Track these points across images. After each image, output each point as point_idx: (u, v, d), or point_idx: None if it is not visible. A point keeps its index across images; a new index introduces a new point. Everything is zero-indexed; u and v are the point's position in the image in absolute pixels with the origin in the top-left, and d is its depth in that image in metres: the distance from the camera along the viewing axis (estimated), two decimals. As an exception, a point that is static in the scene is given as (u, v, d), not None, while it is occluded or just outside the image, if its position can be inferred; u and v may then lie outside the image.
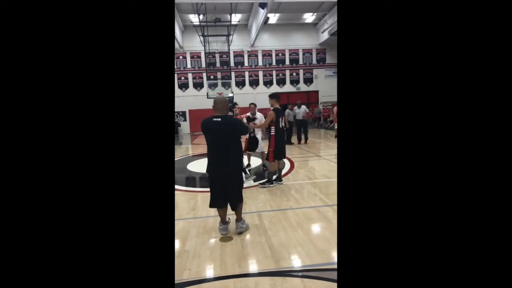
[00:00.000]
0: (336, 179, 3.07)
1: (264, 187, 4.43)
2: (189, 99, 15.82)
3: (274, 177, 4.57)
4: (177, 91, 15.88)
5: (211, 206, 2.87)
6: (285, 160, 6.61)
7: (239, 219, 2.89)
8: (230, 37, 14.90)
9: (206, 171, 2.85)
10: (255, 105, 5.44)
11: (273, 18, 14.48)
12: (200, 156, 7.77)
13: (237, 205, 2.86)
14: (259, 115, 5.37)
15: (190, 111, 16.00)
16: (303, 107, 9.48)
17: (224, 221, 2.91)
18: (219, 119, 2.67)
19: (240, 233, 2.83)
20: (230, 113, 3.00)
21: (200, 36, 14.46)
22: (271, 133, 4.40)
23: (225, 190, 2.78)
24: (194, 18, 14.06)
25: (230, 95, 3.55)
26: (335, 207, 3.43)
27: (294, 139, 9.47)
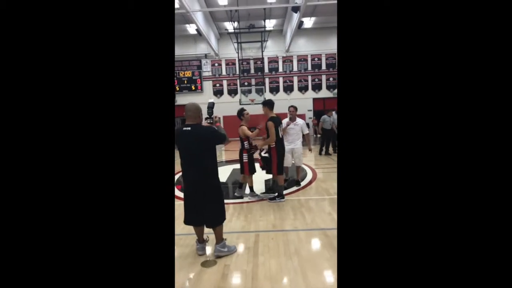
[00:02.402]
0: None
1: (274, 202, 4.03)
2: (223, 106, 15.90)
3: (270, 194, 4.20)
4: (213, 98, 16.08)
5: (184, 222, 2.55)
6: (308, 171, 6.14)
7: (218, 241, 2.53)
8: (264, 43, 14.75)
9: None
10: (295, 108, 4.75)
11: (309, 22, 13.99)
12: (230, 162, 7.70)
13: (215, 224, 2.52)
14: (300, 121, 4.74)
15: (224, 117, 16.06)
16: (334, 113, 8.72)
17: (200, 240, 2.61)
18: (189, 128, 2.38)
19: (218, 257, 2.49)
20: (209, 120, 2.65)
21: (235, 43, 14.52)
22: (271, 146, 3.99)
23: (198, 206, 2.44)
24: (229, 26, 14.15)
25: (211, 100, 3.19)
26: (347, 231, 2.94)
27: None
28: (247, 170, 4.12)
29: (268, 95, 15.42)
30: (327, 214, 3.51)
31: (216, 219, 2.52)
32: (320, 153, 8.50)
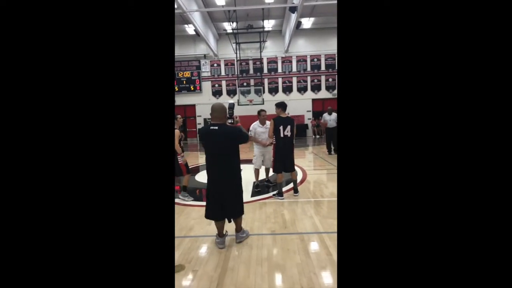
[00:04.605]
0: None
1: (277, 198, 4.24)
2: (222, 106, 15.87)
3: (274, 191, 4.38)
4: (211, 98, 16.08)
5: (206, 217, 2.72)
6: (299, 172, 6.08)
7: (238, 229, 2.81)
8: (263, 44, 14.70)
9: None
10: (266, 112, 4.87)
11: (308, 23, 13.93)
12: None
13: (235, 218, 2.74)
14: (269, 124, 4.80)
15: (223, 118, 16.02)
16: (334, 114, 8.62)
17: (221, 234, 2.73)
18: (216, 128, 2.51)
19: (239, 242, 2.77)
20: (230, 121, 2.69)
21: (233, 44, 14.49)
22: (273, 143, 4.25)
23: (222, 202, 2.61)
24: (228, 26, 14.13)
25: (231, 101, 3.37)
26: (324, 235, 2.87)
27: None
28: (185, 170, 4.29)
29: (267, 96, 15.37)
30: (308, 218, 3.44)
31: (237, 212, 2.73)
32: (329, 153, 8.49)
